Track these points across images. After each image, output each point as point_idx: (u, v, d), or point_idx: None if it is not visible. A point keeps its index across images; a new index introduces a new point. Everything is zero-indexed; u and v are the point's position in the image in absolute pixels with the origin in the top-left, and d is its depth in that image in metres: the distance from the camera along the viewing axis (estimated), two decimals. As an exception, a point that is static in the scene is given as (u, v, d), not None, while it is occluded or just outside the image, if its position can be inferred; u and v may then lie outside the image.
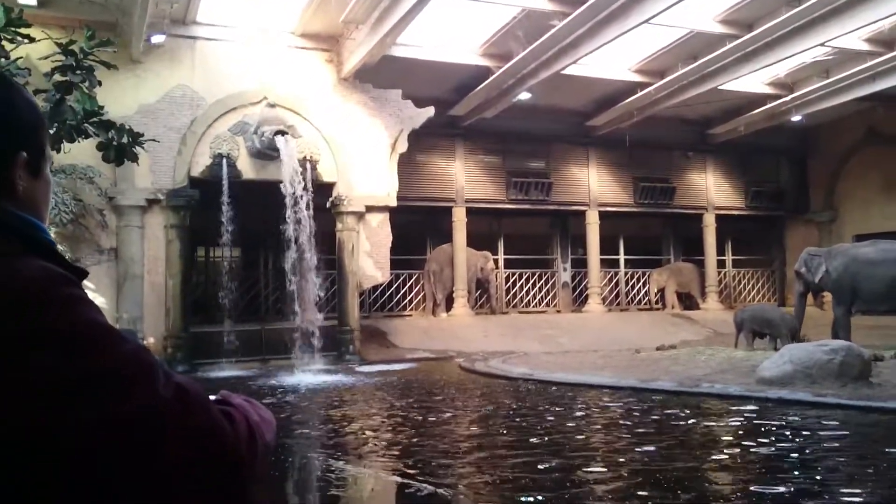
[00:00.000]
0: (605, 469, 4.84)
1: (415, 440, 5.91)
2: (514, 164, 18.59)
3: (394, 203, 14.54)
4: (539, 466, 4.78)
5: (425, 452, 5.38)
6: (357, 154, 14.22)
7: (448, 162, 17.90)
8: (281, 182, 12.94)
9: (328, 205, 14.19)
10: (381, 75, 14.26)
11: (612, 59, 15.50)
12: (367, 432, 6.39)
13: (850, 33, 13.37)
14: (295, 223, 12.93)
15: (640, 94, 16.36)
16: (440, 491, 4.15)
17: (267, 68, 13.64)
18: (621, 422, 6.92)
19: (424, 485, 4.25)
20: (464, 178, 17.97)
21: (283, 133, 13.11)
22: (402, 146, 14.65)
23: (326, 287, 16.04)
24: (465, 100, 16.29)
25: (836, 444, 5.66)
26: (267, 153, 13.20)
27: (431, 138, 17.13)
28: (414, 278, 18.37)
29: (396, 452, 5.56)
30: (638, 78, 16.18)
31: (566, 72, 14.66)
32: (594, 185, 19.27)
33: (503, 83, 15.17)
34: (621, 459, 5.17)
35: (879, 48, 14.85)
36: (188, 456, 0.79)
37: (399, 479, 4.57)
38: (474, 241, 18.15)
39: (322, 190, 13.88)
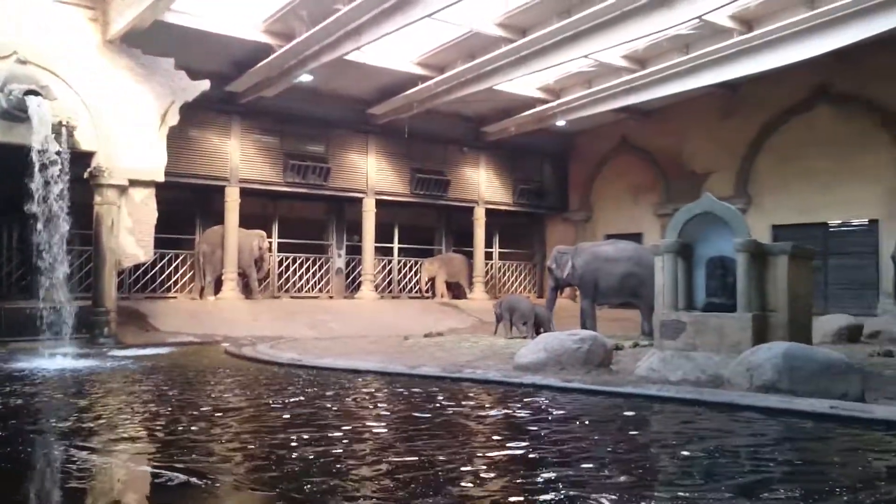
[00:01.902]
0: (366, 451, 4.90)
1: (169, 428, 5.63)
2: (293, 147, 18.27)
3: (161, 178, 13.70)
4: (308, 455, 4.74)
5: (182, 441, 5.14)
6: (122, 123, 13.21)
7: (223, 139, 17.21)
8: (31, 147, 11.74)
9: (86, 176, 13.11)
10: (153, 42, 13.37)
11: (396, 49, 15.72)
12: (116, 420, 5.99)
13: (610, 49, 14.57)
14: (46, 193, 11.79)
15: (420, 86, 16.72)
16: (192, 479, 3.98)
17: (18, 20, 12.25)
18: (383, 405, 7.05)
19: (176, 474, 4.05)
20: (239, 158, 17.37)
21: (34, 93, 11.86)
22: (173, 119, 13.85)
23: (81, 264, 14.90)
24: (245, 76, 15.74)
25: (576, 424, 6.15)
26: (15, 114, 11.86)
27: (206, 113, 16.40)
28: (181, 258, 17.51)
29: (148, 441, 5.27)
30: (419, 71, 16.53)
31: (349, 58, 14.66)
32: (372, 173, 19.44)
33: (284, 63, 14.84)
34: (384, 446, 5.26)
35: (634, 65, 16.32)
36: None
37: (149, 469, 4.32)
38: (248, 223, 17.64)
39: (80, 159, 12.77)
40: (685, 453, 5.06)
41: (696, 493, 3.97)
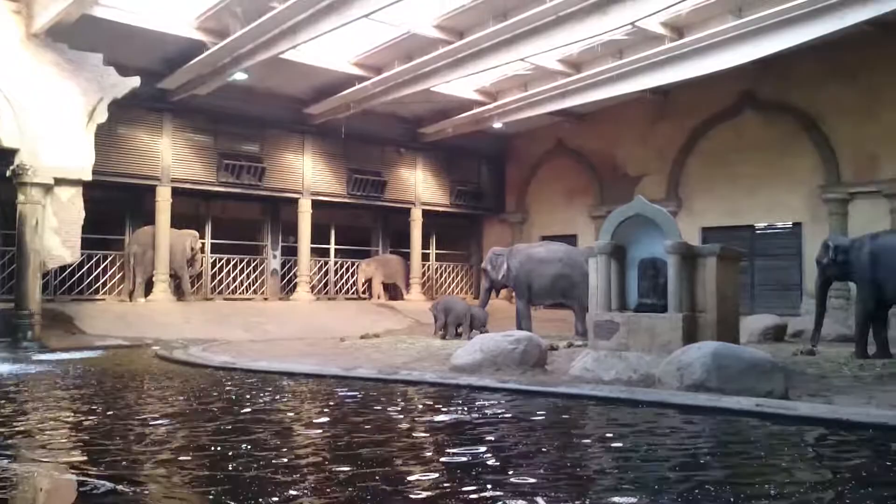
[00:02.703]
0: (301, 456, 4.85)
1: (96, 435, 5.47)
2: (227, 146, 17.96)
3: (88, 177, 13.28)
4: (241, 461, 4.66)
5: (109, 448, 4.99)
6: (47, 120, 12.76)
7: (154, 138, 16.80)
8: (-52, 143, 11.27)
9: (9, 174, 12.66)
10: (81, 36, 12.96)
11: (333, 49, 15.60)
12: (39, 428, 5.79)
13: (546, 53, 14.75)
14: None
15: (357, 87, 16.64)
16: (119, 487, 3.87)
17: (-64, 11, 11.78)
18: (318, 408, 6.98)
19: (103, 482, 3.94)
20: (171, 157, 16.99)
21: (-48, 87, 11.42)
22: (102, 116, 13.44)
23: (4, 265, 14.40)
24: (177, 74, 15.41)
25: (511, 424, 6.20)
26: (-68, 108, 11.41)
27: (136, 111, 16.02)
28: (109, 259, 17.04)
29: (73, 449, 5.11)
30: (357, 71, 16.44)
31: (285, 56, 14.49)
32: (308, 173, 19.25)
33: (218, 60, 14.58)
34: (319, 450, 5.21)
35: (570, 69, 16.55)
36: None
37: (74, 477, 4.19)
38: (180, 224, 17.27)
39: (2, 156, 12.33)
40: (618, 451, 5.15)
41: (630, 488, 4.04)
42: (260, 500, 3.73)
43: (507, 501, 3.77)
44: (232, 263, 19.00)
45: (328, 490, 3.97)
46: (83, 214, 13.37)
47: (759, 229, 17.93)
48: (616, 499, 3.83)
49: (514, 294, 15.92)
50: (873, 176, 15.87)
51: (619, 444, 5.43)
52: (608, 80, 16.08)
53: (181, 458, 4.74)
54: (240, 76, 15.29)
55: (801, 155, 16.96)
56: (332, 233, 21.22)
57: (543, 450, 5.20)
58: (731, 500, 3.81)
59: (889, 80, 15.63)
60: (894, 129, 15.49)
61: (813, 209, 16.80)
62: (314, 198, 19.33)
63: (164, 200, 16.83)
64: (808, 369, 9.15)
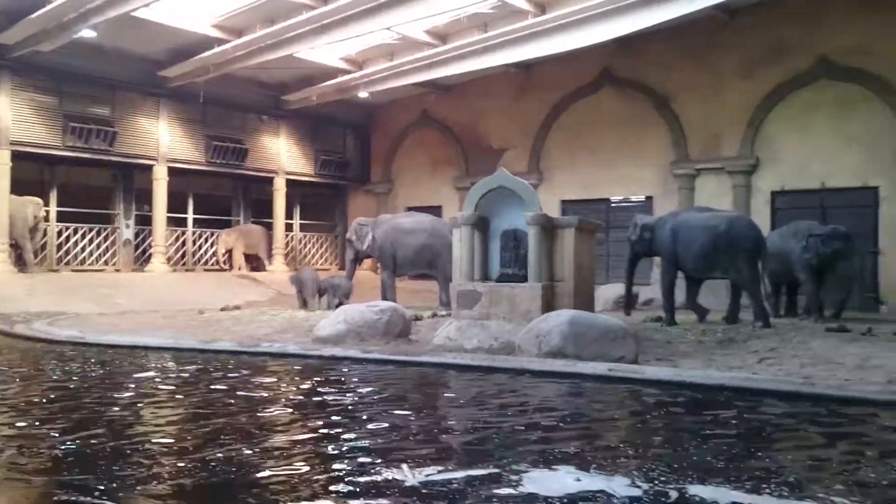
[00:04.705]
0: (149, 433, 4.66)
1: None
2: (74, 108, 16.81)
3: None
4: (84, 445, 4.42)
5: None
6: None
7: (-10, 97, 15.51)
8: None
9: None
10: None
11: (191, 9, 14.90)
12: None
13: (413, 23, 14.68)
14: None
15: (217, 49, 15.96)
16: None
17: None
18: (173, 383, 6.73)
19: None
20: (10, 118, 15.72)
21: None
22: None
23: None
24: (17, 27, 14.25)
25: (374, 394, 6.21)
26: None
27: (-31, 66, 14.72)
28: (-60, 228, 15.65)
29: None
30: (216, 33, 15.75)
31: (138, 14, 13.76)
32: (164, 139, 18.36)
33: (63, 15, 13.59)
34: (172, 425, 5.03)
35: (436, 40, 16.56)
36: None
37: None
38: (22, 190, 16.06)
39: None
40: (478, 416, 5.25)
41: (487, 453, 4.14)
42: (117, 488, 3.56)
43: (377, 468, 3.77)
44: (80, 233, 17.92)
45: (189, 469, 3.83)
46: None
47: (614, 202, 18.68)
48: (472, 471, 3.91)
49: (379, 265, 15.90)
50: (718, 153, 16.87)
51: (482, 409, 5.55)
52: (473, 53, 16.21)
53: (9, 441, 4.44)
54: (87, 33, 14.31)
55: (654, 132, 17.77)
56: (191, 202, 20.40)
57: (413, 418, 5.23)
58: (584, 459, 3.98)
59: (733, 63, 16.60)
60: (737, 110, 16.50)
61: (664, 184, 17.67)
62: (170, 165, 18.48)
63: (3, 165, 15.59)
64: (657, 335, 9.68)
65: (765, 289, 11.30)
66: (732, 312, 11.31)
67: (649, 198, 18.01)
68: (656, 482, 3.59)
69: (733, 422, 5.10)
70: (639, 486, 3.52)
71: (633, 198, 18.42)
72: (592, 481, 3.61)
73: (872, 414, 5.32)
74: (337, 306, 12.56)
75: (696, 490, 3.46)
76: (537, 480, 3.63)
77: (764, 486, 3.56)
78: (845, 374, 6.68)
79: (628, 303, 12.40)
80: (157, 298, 15.37)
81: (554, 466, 3.87)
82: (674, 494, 3.42)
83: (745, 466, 3.91)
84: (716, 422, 5.12)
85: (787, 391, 5.85)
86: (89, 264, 17.98)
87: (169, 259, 19.08)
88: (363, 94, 19.25)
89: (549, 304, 9.37)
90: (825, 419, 5.17)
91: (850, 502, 3.34)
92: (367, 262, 17.28)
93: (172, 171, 18.55)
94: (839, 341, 8.63)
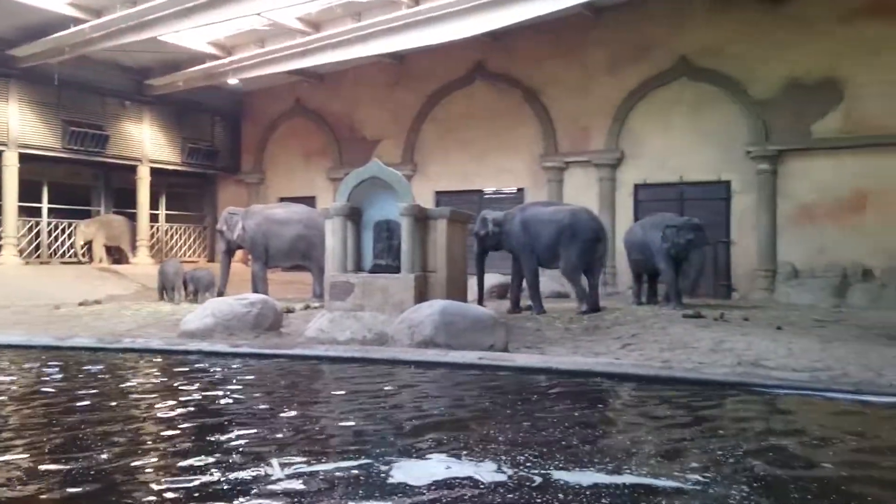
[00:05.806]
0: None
1: None
2: None
3: None
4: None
5: None
6: None
7: None
8: None
9: None
10: None
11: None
12: None
13: (284, 9, 14.37)
14: None
15: (72, 29, 15.04)
16: None
17: None
18: (25, 384, 6.33)
19: None
20: None
21: None
22: None
23: None
24: None
25: (241, 389, 6.06)
26: None
27: None
28: None
29: None
30: (72, 12, 14.80)
31: (-18, -12, 12.73)
32: (14, 123, 17.16)
33: None
34: (26, 430, 4.73)
35: (309, 28, 16.27)
36: None
37: None
38: None
39: None
40: (349, 408, 5.22)
41: (357, 444, 4.12)
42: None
43: (245, 465, 3.68)
44: (-81, 223, 16.53)
45: (43, 474, 3.60)
46: None
47: (487, 194, 18.97)
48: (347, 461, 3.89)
49: (250, 256, 15.51)
50: (585, 146, 17.43)
51: (352, 400, 5.52)
52: (347, 42, 16.01)
53: None
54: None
55: (525, 125, 18.16)
56: (45, 190, 19.18)
57: (283, 414, 5.13)
58: (455, 447, 4.02)
59: (600, 59, 17.17)
60: (603, 104, 17.10)
61: (534, 176, 18.10)
62: (22, 151, 17.29)
63: None
64: (527, 324, 9.93)
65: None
66: (592, 297, 11.71)
67: (521, 189, 18.39)
68: (521, 467, 3.68)
69: (598, 406, 5.30)
70: (504, 472, 3.60)
71: (506, 189, 18.76)
72: (462, 468, 3.67)
73: (722, 395, 5.66)
74: (205, 299, 12.16)
75: (559, 475, 3.57)
76: (407, 469, 3.64)
77: (625, 466, 3.72)
78: (699, 357, 7.08)
79: (481, 297, 12.44)
80: (8, 293, 14.35)
81: (427, 456, 3.90)
82: (538, 479, 3.51)
83: (608, 448, 4.07)
84: (581, 406, 5.30)
85: (647, 375, 6.14)
86: (-71, 257, 16.62)
87: (21, 251, 17.89)
88: (233, 81, 18.66)
89: (421, 295, 9.41)
90: (681, 400, 5.45)
91: (703, 478, 3.53)
92: (239, 254, 16.80)
93: (24, 158, 17.37)
94: (695, 326, 9.13)
